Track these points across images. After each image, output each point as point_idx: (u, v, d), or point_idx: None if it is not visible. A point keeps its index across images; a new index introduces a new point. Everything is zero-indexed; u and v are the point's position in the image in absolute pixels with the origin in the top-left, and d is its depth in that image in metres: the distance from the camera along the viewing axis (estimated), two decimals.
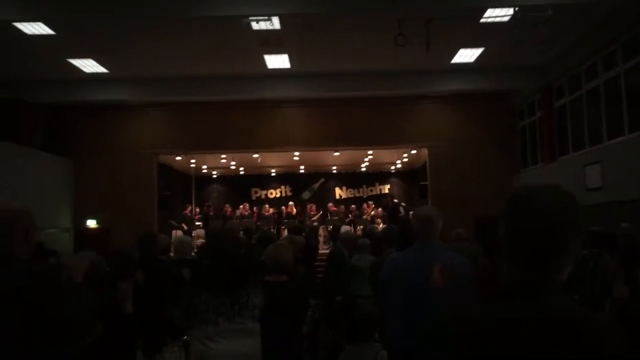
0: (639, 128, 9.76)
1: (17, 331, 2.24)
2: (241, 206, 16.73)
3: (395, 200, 15.19)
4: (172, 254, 7.34)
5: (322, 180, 20.49)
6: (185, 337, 3.94)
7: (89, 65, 12.49)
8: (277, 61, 12.55)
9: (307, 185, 20.27)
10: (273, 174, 20.57)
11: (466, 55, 12.50)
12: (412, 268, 3.25)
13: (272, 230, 15.36)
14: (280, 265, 4.17)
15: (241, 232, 12.83)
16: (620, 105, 10.37)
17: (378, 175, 20.70)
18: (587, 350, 1.16)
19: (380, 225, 14.46)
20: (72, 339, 2.49)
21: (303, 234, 10.21)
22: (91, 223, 14.56)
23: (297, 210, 16.53)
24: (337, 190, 20.66)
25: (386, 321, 3.55)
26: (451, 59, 12.68)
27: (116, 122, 14.91)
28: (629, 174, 9.57)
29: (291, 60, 12.55)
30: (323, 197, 19.79)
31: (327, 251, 10.17)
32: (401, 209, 15.67)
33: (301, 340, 4.74)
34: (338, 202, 18.96)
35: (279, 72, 13.29)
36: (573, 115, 12.52)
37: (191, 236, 13.75)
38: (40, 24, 9.95)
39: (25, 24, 9.89)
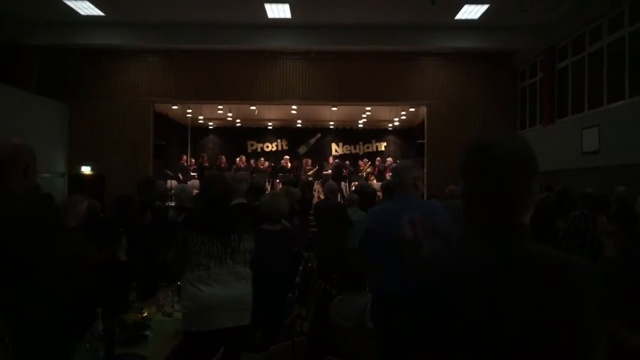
0: None
1: (11, 267, 2.17)
2: (237, 159, 16.70)
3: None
4: (172, 203, 7.40)
5: (319, 135, 20.45)
6: (179, 283, 3.98)
7: (85, 8, 12.16)
8: (278, 10, 12.25)
9: (304, 139, 20.24)
10: (270, 127, 20.43)
11: (471, 12, 12.20)
12: (390, 218, 3.30)
13: (266, 183, 15.43)
14: (276, 214, 4.19)
15: None
16: (622, 69, 10.25)
17: (375, 132, 20.58)
18: (563, 285, 1.18)
19: (374, 182, 14.56)
20: (70, 278, 2.41)
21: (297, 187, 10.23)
22: (86, 169, 14.50)
23: (292, 165, 16.53)
24: (334, 146, 20.59)
25: (370, 270, 3.63)
26: (455, 15, 12.41)
27: (113, 68, 14.67)
28: (626, 138, 9.53)
29: (292, 10, 12.25)
30: (319, 152, 19.80)
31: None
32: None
33: (291, 288, 4.81)
34: (334, 158, 18.95)
35: (279, 22, 12.99)
36: (574, 77, 12.38)
37: None
38: None
39: None
